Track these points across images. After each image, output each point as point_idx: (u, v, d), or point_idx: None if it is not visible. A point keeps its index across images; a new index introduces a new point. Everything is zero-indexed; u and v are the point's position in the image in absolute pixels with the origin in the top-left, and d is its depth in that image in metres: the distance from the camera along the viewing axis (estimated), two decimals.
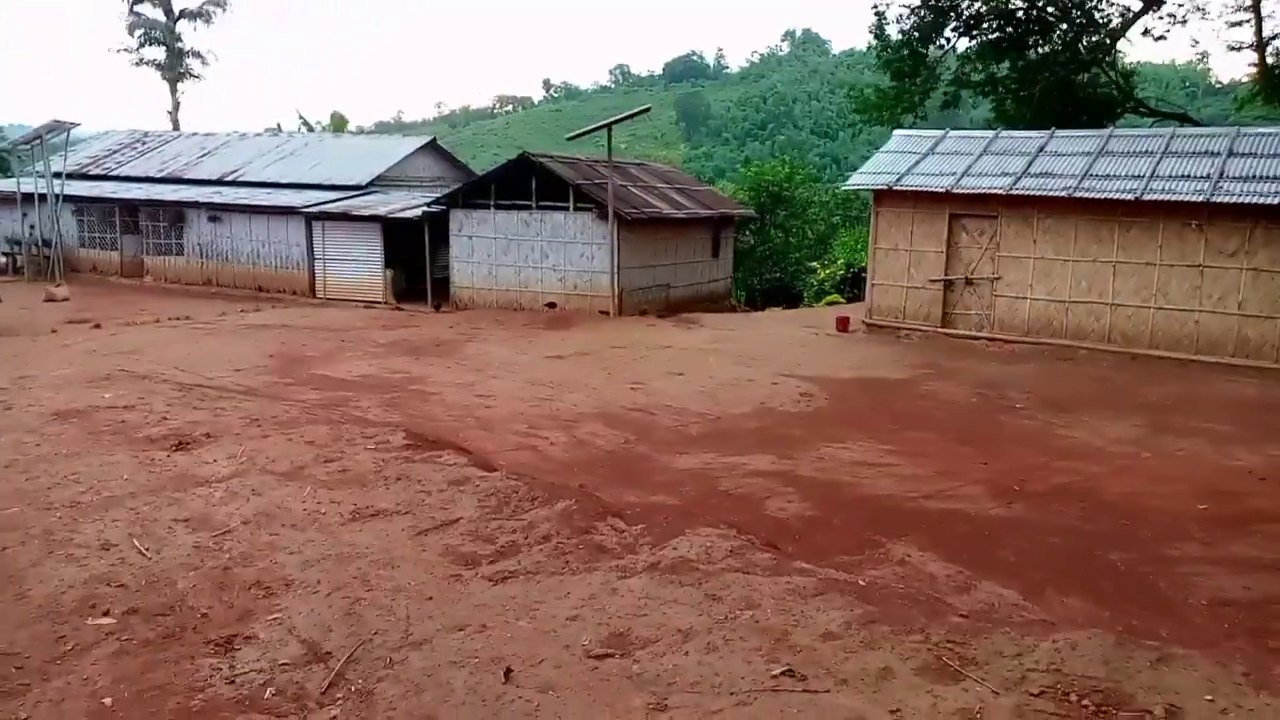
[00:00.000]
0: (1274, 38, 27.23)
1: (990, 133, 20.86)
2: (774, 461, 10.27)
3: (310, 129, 57.36)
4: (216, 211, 29.11)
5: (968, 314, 18.98)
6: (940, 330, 19.07)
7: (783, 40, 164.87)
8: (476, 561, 6.63)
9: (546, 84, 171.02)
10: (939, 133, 21.47)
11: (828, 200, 38.60)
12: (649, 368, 16.06)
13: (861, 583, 6.59)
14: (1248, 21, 27.01)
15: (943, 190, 18.62)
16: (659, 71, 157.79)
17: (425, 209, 25.47)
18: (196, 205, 29.42)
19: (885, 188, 19.27)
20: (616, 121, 22.43)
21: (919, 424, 12.35)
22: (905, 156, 20.36)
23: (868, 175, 20.09)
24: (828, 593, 6.28)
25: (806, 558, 7.20)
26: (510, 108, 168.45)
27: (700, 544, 7.14)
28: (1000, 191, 18.06)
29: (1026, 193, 17.85)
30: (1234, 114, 33.46)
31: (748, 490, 9.21)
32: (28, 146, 31.91)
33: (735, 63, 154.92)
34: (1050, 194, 17.54)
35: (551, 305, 23.89)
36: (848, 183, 20.77)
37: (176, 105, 55.68)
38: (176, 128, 50.06)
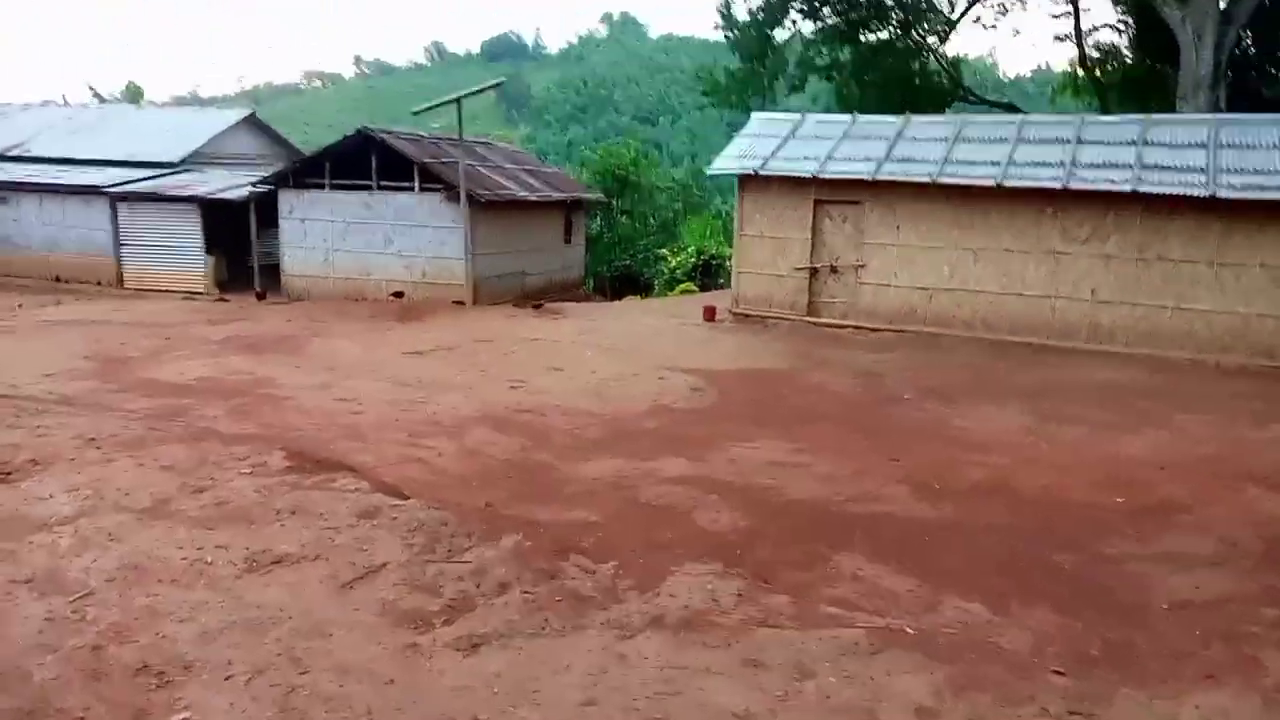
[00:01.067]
0: (1092, 30, 28.94)
1: (848, 118, 20.92)
2: (687, 465, 9.59)
3: (103, 103, 52.01)
4: (1, 191, 25.59)
5: (833, 302, 18.98)
6: (806, 319, 18.99)
7: (601, 22, 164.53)
8: (428, 622, 5.49)
9: (358, 60, 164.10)
10: (797, 116, 21.39)
11: (671, 185, 38.38)
12: (524, 363, 15.05)
13: (910, 631, 5.90)
14: (1068, 14, 28.56)
15: (809, 176, 18.48)
16: (477, 50, 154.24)
17: (251, 189, 23.25)
18: None
19: (752, 173, 18.96)
20: (467, 95, 21.07)
21: (816, 417, 12.00)
22: (766, 140, 20.11)
23: (732, 160, 19.71)
24: (888, 649, 5.57)
25: (774, 582, 6.53)
26: (320, 84, 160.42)
27: (699, 586, 6.28)
28: (865, 178, 18.09)
29: (890, 178, 17.94)
30: (1048, 106, 35.57)
31: (670, 500, 8.48)
32: None
33: (554, 44, 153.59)
34: (914, 179, 17.69)
35: (399, 295, 22.33)
36: (712, 167, 20.31)
37: None
38: None
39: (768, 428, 11.36)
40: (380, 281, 22.67)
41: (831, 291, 18.96)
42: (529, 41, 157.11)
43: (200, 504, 7.09)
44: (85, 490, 7.25)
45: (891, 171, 18.08)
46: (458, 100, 20.88)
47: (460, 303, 21.62)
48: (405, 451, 9.79)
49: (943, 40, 29.01)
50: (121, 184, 24.58)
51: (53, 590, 5.54)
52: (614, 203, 33.91)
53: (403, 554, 6.31)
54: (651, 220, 36.00)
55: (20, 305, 20.93)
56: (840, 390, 13.73)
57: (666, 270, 31.36)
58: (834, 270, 18.82)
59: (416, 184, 22.04)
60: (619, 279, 32.89)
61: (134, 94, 52.96)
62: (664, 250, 32.78)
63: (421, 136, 24.38)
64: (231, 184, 24.47)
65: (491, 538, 6.80)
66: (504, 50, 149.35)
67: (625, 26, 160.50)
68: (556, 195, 26.30)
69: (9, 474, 7.69)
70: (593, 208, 31.33)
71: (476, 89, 22.72)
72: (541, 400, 12.46)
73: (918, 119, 20.31)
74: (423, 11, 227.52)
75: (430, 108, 21.86)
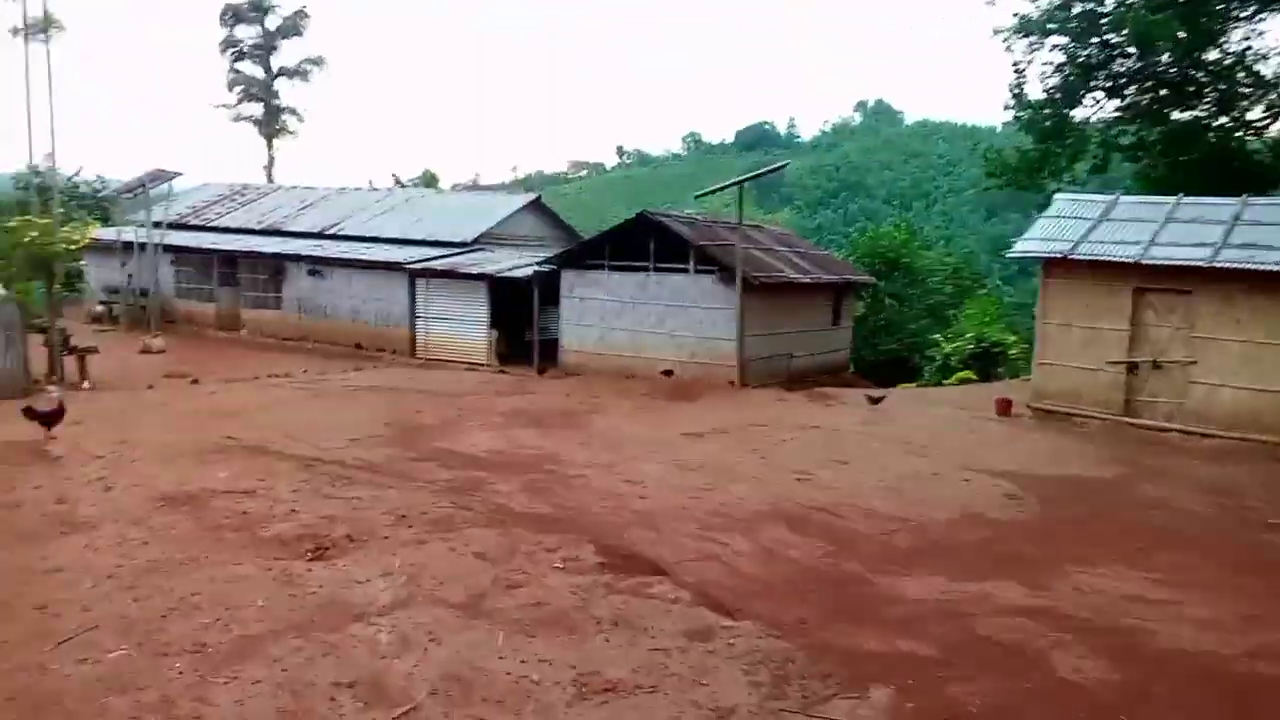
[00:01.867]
0: None
1: (1170, 199, 18.73)
2: (1025, 593, 8.28)
3: (403, 187, 57.35)
4: (316, 265, 28.29)
5: (1155, 402, 16.74)
6: (1123, 419, 16.85)
7: (855, 110, 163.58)
8: None
9: (619, 150, 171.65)
10: (1109, 197, 19.47)
11: (943, 267, 36.56)
12: (805, 453, 14.17)
13: None
14: None
15: (1129, 261, 16.56)
16: (731, 139, 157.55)
17: (536, 268, 24.18)
18: (296, 258, 28.67)
19: (1059, 256, 17.29)
20: (750, 179, 20.95)
21: (1169, 543, 10.22)
22: (1073, 223, 18.38)
23: (1036, 242, 18.13)
24: None
25: None
26: (584, 173, 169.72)
27: None
28: (1199, 264, 15.95)
29: (1231, 265, 15.70)
30: None
31: (1016, 637, 7.23)
32: (130, 195, 31.70)
33: (807, 132, 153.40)
34: (1262, 267, 15.36)
35: (668, 373, 22.22)
36: (1014, 249, 18.76)
37: (271, 160, 56.39)
38: (270, 182, 50.17)
39: (1109, 550, 9.77)
40: (651, 360, 22.69)
41: (1153, 390, 16.75)
42: (782, 130, 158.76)
43: (517, 602, 6.71)
44: (400, 575, 7.10)
45: (1232, 258, 15.83)
46: (740, 183, 20.76)
47: (732, 383, 21.16)
48: (700, 547, 9.15)
49: (1275, 118, 25.76)
50: (420, 261, 26.40)
51: (377, 699, 5.17)
52: (880, 285, 32.66)
53: (749, 694, 5.51)
54: (920, 304, 34.37)
55: (324, 372, 22.59)
56: (1189, 509, 11.76)
57: (939, 356, 29.54)
58: (1156, 366, 16.63)
59: (691, 266, 22.01)
60: (884, 364, 31.43)
61: (429, 180, 58.11)
62: (937, 335, 30.98)
63: (696, 220, 24.50)
64: (517, 263, 25.64)
65: (854, 686, 5.83)
66: (757, 139, 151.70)
67: (879, 114, 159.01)
68: (828, 277, 25.52)
69: (327, 549, 7.75)
70: (861, 290, 30.26)
71: (761, 171, 22.62)
72: (834, 497, 11.50)
73: (1257, 201, 17.87)
74: (680, 104, 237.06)
75: (716, 190, 21.95)
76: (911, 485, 12.28)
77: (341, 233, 30.45)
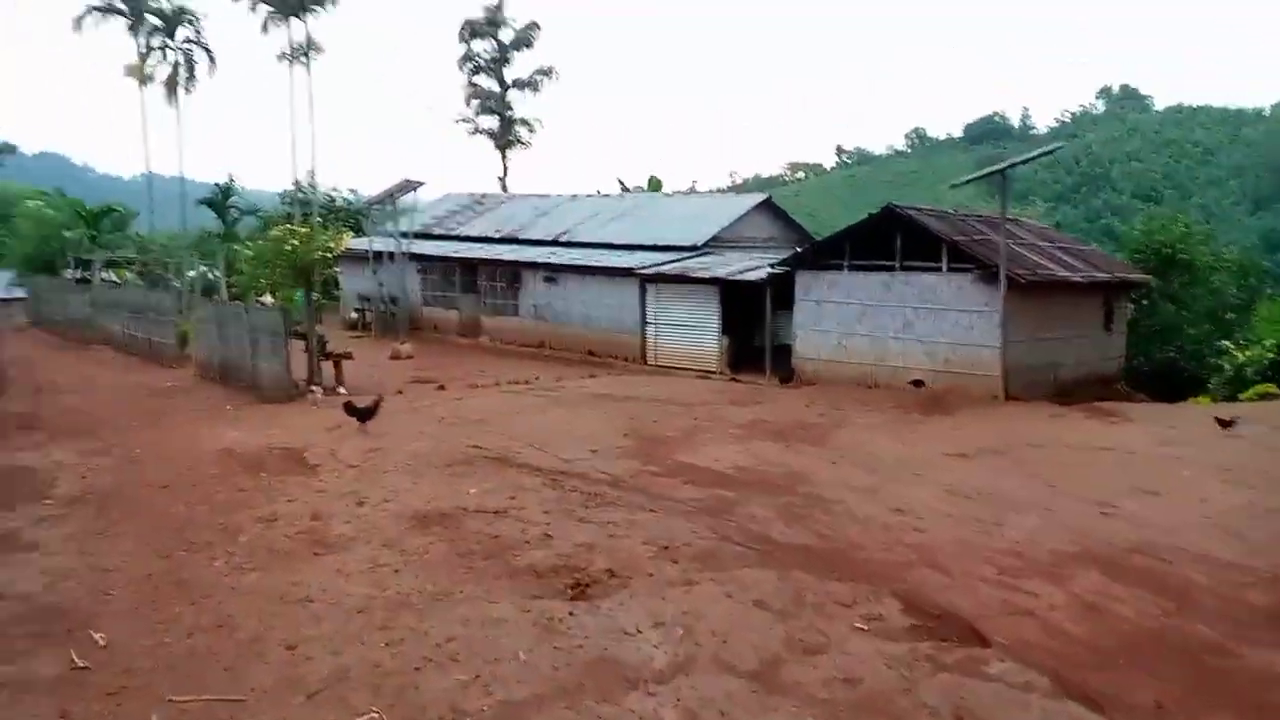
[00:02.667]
0: None
1: None
2: None
3: (628, 193, 57.91)
4: (552, 272, 28.55)
5: None
6: None
7: (1097, 98, 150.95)
8: None
9: (839, 150, 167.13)
10: None
11: (1228, 265, 32.18)
12: (1101, 480, 12.23)
13: None
14: None
15: None
16: (958, 134, 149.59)
17: (770, 270, 23.09)
18: (533, 266, 29.08)
19: None
20: (1019, 163, 18.82)
21: None
22: None
23: None
24: None
25: None
26: (802, 174, 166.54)
27: None
28: None
29: None
30: None
31: None
32: (380, 206, 33.43)
33: (1042, 123, 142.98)
34: None
35: (918, 383, 20.46)
36: None
37: (506, 170, 58.46)
38: (505, 191, 51.93)
39: None
40: (896, 368, 21.01)
41: None
42: (1014, 122, 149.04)
43: (821, 675, 5.62)
44: (675, 628, 6.20)
45: None
46: (1002, 171, 18.74)
47: (996, 397, 19.14)
48: (1004, 597, 7.73)
49: None
50: (650, 266, 25.98)
51: None
52: (1154, 285, 29.04)
53: None
54: (1200, 307, 30.30)
55: (560, 379, 22.52)
56: None
57: (1230, 367, 25.79)
58: None
59: (944, 263, 20.16)
60: (1159, 374, 27.86)
61: (655, 185, 58.23)
62: (1226, 343, 27.13)
63: (947, 213, 22.55)
64: (749, 266, 24.65)
65: None
66: (987, 132, 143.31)
67: (1126, 100, 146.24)
68: (1100, 276, 22.77)
69: (587, 586, 7.02)
70: (1135, 291, 26.98)
71: (1033, 154, 20.37)
72: (1149, 536, 9.65)
73: None
74: (902, 99, 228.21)
75: (978, 178, 20.03)
76: (1250, 524, 10.18)
77: (574, 239, 30.66)
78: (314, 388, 19.07)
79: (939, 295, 20.38)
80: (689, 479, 11.73)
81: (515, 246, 31.55)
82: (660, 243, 28.24)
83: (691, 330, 25.09)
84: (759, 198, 31.21)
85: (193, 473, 10.82)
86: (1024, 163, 18.94)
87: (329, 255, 20.02)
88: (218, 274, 35.53)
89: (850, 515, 10.26)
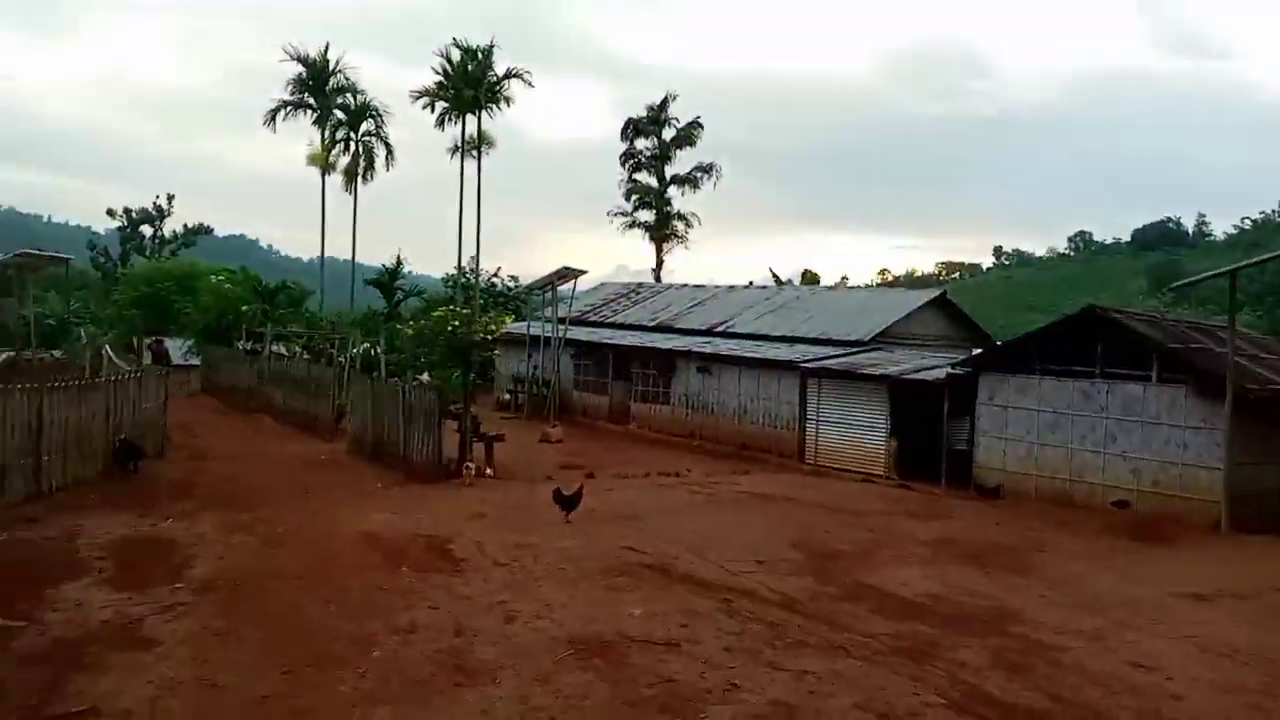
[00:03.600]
0: None
1: None
2: None
3: (782, 285, 56.86)
4: (706, 362, 27.54)
5: None
6: None
7: None
8: None
9: (997, 250, 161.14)
10: None
11: None
12: None
13: None
14: None
15: None
16: (1126, 239, 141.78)
17: (950, 371, 21.29)
18: (687, 354, 28.18)
19: None
20: (1254, 264, 16.64)
21: None
22: None
23: None
24: None
25: None
26: (956, 274, 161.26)
27: None
28: None
29: None
30: None
31: None
32: (539, 292, 33.47)
33: (1221, 228, 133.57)
34: None
35: (1122, 504, 18.07)
36: None
37: (660, 263, 58.53)
38: (659, 282, 51.67)
39: None
40: (1095, 485, 18.69)
41: None
42: (1189, 227, 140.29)
43: None
44: None
45: None
46: (1231, 272, 16.57)
47: (1217, 525, 16.59)
48: None
49: None
50: (812, 360, 24.59)
51: None
52: None
53: None
54: None
55: (712, 474, 21.22)
56: None
57: None
58: None
59: (1154, 373, 17.93)
60: None
61: (811, 279, 57.20)
62: None
63: (1156, 318, 20.31)
64: (921, 365, 22.94)
65: None
66: (1158, 238, 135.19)
67: None
68: None
69: None
70: None
71: (1269, 256, 18.00)
72: None
73: None
74: (1066, 202, 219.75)
75: (1198, 281, 17.86)
76: None
77: (731, 330, 29.67)
78: (468, 466, 18.48)
79: (1148, 407, 18.10)
80: (875, 606, 10.13)
81: (669, 335, 30.82)
82: (823, 336, 26.89)
83: (856, 430, 23.40)
84: (931, 293, 29.50)
85: (332, 561, 10.04)
86: (1258, 264, 16.70)
87: (489, 338, 19.68)
88: (379, 351, 36.24)
89: (1082, 669, 8.43)
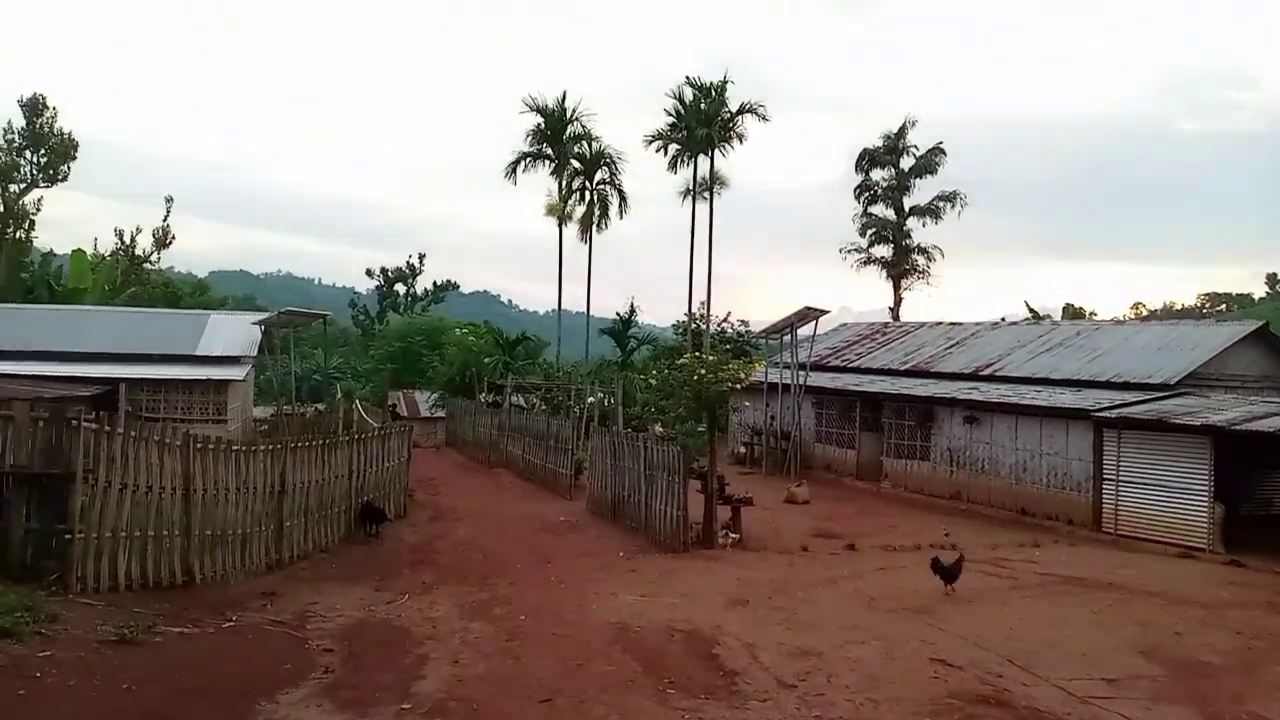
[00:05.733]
0: None
1: None
2: None
3: (1039, 320, 51.63)
4: (973, 410, 24.34)
5: None
6: None
7: None
8: None
9: (1271, 279, 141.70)
10: None
11: None
12: None
13: None
14: None
15: None
16: None
17: None
18: (949, 403, 25.08)
19: None
20: None
21: None
22: None
23: None
24: None
25: None
26: (1222, 306, 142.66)
27: None
28: None
29: None
30: None
31: None
32: (777, 335, 31.44)
33: None
34: None
35: None
36: None
37: (898, 300, 54.94)
38: (896, 321, 48.22)
39: None
40: None
41: None
42: None
43: None
44: None
45: None
46: None
47: None
48: None
49: None
50: (1109, 407, 20.96)
51: None
52: None
53: None
54: None
55: (996, 546, 18.19)
56: None
57: None
58: None
59: None
60: None
61: (1075, 314, 51.66)
62: None
63: None
64: (1252, 412, 18.88)
65: None
66: None
67: None
68: None
69: None
70: None
71: None
72: None
73: None
74: None
75: None
76: None
77: (1000, 373, 26.27)
78: (729, 535, 16.75)
79: None
80: None
81: (925, 380, 27.78)
82: (1116, 379, 23.06)
83: (1169, 491, 19.50)
84: (1248, 326, 24.80)
85: (583, 670, 8.37)
86: None
87: (738, 386, 17.90)
88: (613, 401, 35.53)
89: None
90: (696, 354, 17.79)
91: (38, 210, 50.45)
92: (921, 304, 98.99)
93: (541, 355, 48.98)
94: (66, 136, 50.92)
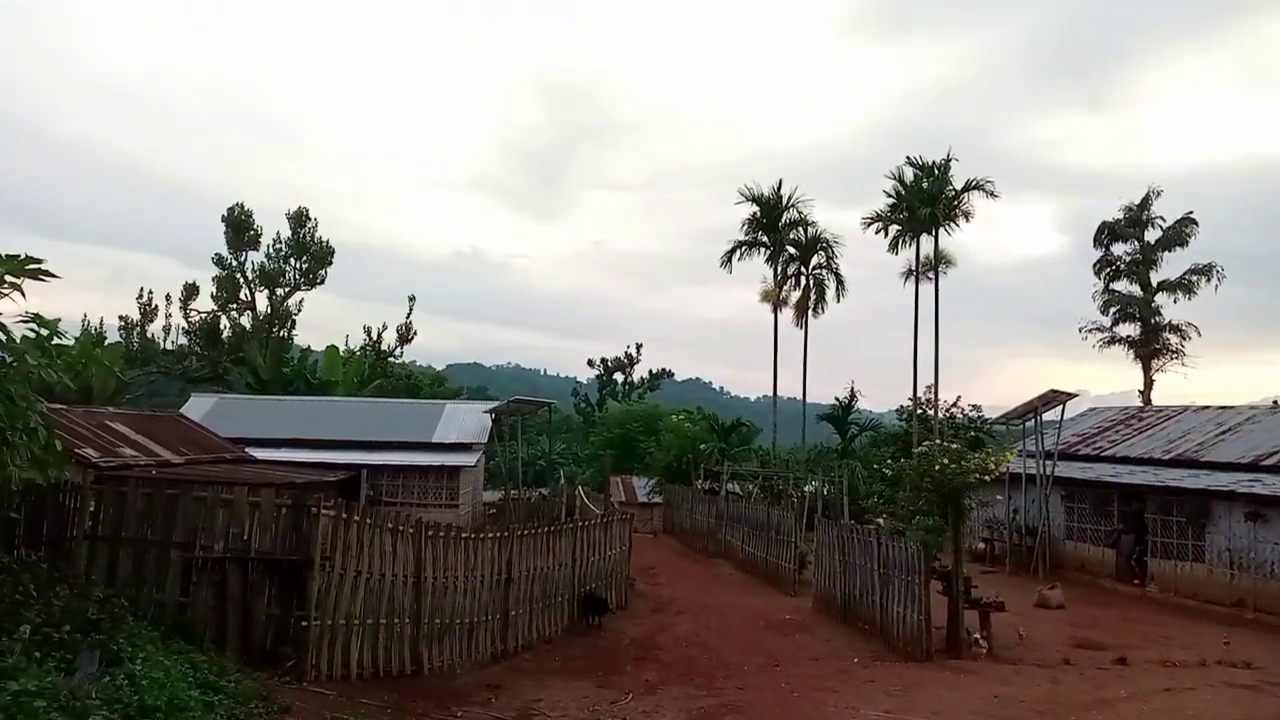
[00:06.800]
0: None
1: None
2: None
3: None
4: (1258, 506, 21.24)
5: None
6: None
7: None
8: None
9: None
10: None
11: None
12: None
13: None
14: None
15: None
16: None
17: None
18: (1227, 497, 22.03)
19: None
20: None
21: None
22: None
23: None
24: None
25: None
26: None
27: None
28: None
29: None
30: None
31: None
32: (1019, 421, 29.12)
33: None
34: None
35: None
36: None
37: (1149, 384, 50.07)
38: (1146, 405, 43.68)
39: None
40: None
41: None
42: None
43: None
44: None
45: None
46: None
47: None
48: None
49: None
50: None
51: None
52: None
53: None
54: None
55: (1224, 646, 15.41)
56: None
57: None
58: None
59: None
60: None
61: None
62: None
63: None
64: None
65: None
66: None
67: None
68: None
69: None
70: None
71: None
72: None
73: None
74: None
75: None
76: None
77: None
78: (978, 642, 15.23)
79: None
80: None
81: (1195, 471, 24.64)
82: None
83: None
84: None
85: None
86: None
87: (987, 478, 16.39)
88: (832, 489, 34.12)
89: None
90: (937, 441, 16.44)
91: (299, 311, 55.77)
92: (1176, 387, 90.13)
93: (755, 442, 48.19)
94: (325, 244, 56.29)
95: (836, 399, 46.49)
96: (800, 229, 45.25)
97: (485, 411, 37.56)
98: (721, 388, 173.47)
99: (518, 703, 10.98)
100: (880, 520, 30.64)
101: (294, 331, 56.12)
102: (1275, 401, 36.20)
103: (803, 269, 45.89)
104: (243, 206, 55.41)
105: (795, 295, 45.93)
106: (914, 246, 40.82)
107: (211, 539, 10.93)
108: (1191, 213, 48.12)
